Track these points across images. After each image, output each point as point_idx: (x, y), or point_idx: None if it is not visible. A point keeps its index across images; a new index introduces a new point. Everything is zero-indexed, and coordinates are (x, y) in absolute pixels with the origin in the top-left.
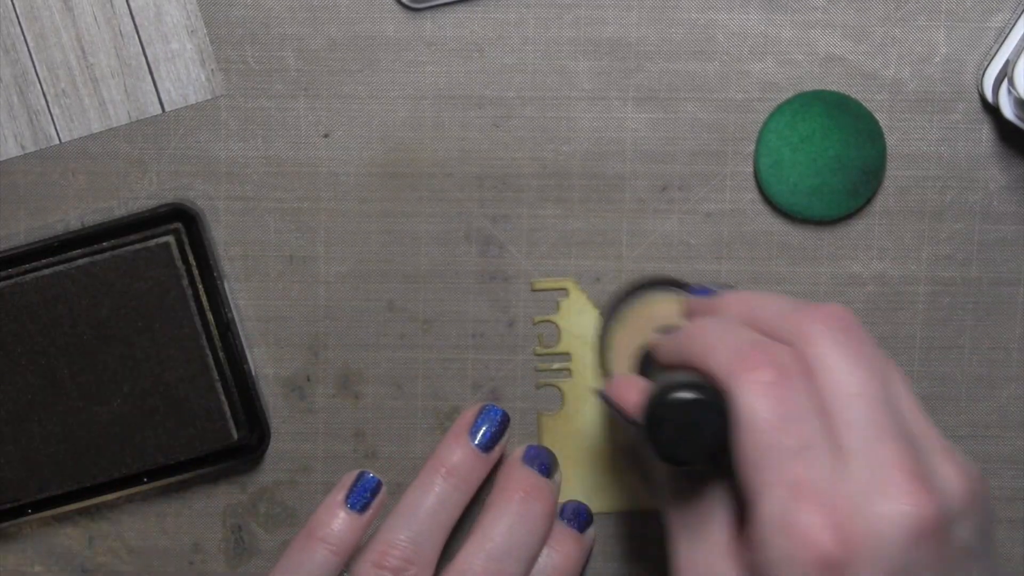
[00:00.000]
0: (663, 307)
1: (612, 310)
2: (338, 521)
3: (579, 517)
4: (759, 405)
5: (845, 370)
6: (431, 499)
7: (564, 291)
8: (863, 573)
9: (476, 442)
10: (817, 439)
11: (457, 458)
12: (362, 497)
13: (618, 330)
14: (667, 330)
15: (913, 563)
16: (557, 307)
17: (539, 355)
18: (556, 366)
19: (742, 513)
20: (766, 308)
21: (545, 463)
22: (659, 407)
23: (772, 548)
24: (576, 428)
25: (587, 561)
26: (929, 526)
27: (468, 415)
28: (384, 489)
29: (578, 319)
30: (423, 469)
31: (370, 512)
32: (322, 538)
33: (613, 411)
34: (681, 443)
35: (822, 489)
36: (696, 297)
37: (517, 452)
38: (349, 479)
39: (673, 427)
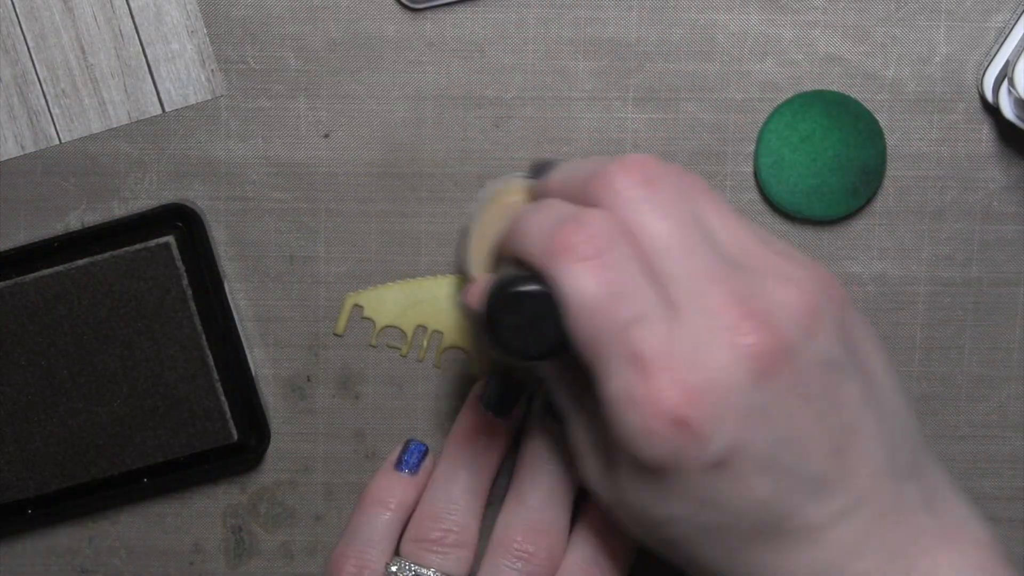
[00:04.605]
0: (515, 196)
1: (470, 213)
2: (394, 484)
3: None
4: (582, 285)
5: (654, 224)
6: (462, 470)
7: (358, 307)
8: (717, 424)
9: (491, 410)
10: (648, 304)
11: (477, 427)
12: (412, 460)
13: (476, 229)
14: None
15: (766, 400)
16: (362, 311)
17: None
18: (404, 349)
19: None
20: (576, 175)
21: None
22: (494, 307)
23: (624, 424)
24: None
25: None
26: (770, 359)
27: (477, 387)
28: (431, 453)
29: (379, 306)
30: (448, 443)
31: (421, 474)
32: (381, 501)
33: (470, 317)
34: (522, 338)
35: (662, 353)
36: (533, 181)
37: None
38: (397, 448)
39: (512, 324)
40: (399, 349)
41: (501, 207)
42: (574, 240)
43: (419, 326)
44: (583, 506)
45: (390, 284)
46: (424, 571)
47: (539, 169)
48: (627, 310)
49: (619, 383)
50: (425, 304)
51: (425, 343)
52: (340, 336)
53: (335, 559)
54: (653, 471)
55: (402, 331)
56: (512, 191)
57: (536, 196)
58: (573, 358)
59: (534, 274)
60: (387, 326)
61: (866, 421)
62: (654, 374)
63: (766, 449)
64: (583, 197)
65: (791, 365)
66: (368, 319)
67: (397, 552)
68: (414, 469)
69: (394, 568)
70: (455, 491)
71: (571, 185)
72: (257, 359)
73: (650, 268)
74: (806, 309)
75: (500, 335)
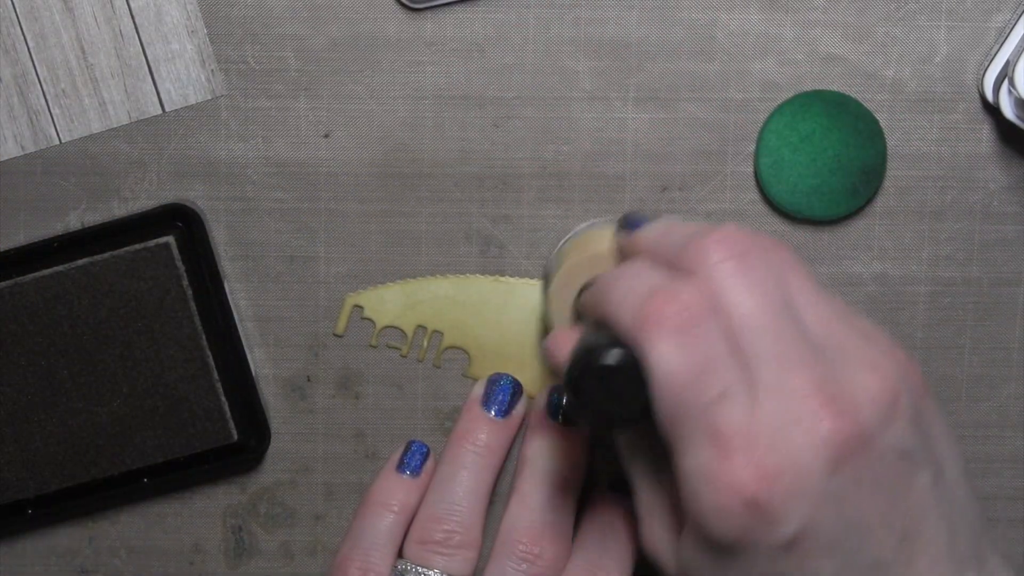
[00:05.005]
0: (601, 245)
1: (554, 257)
2: (396, 486)
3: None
4: (670, 359)
5: (743, 301)
6: (463, 471)
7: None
8: (789, 507)
9: (493, 413)
10: (732, 382)
11: (478, 427)
12: (414, 462)
13: (559, 276)
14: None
15: (840, 486)
16: (362, 311)
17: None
18: (404, 349)
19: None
20: (668, 239)
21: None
22: (579, 375)
23: (700, 500)
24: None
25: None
26: (848, 447)
27: (478, 389)
28: (433, 454)
29: (379, 307)
30: (448, 444)
31: (423, 475)
32: (384, 503)
33: (554, 368)
34: (605, 408)
35: (741, 433)
36: (621, 235)
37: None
38: (398, 449)
39: (595, 392)
40: (399, 349)
41: (587, 257)
42: (666, 312)
43: (419, 326)
44: (586, 508)
45: (390, 284)
46: (429, 572)
47: (629, 222)
48: (711, 387)
49: (697, 459)
50: (425, 304)
51: (425, 343)
52: (340, 336)
53: (339, 562)
54: (721, 547)
55: (402, 331)
56: (598, 240)
57: (624, 251)
58: (651, 426)
59: (618, 340)
60: (387, 326)
61: (932, 510)
62: (732, 453)
63: (834, 533)
64: (675, 263)
65: (867, 453)
66: (368, 319)
67: (401, 554)
68: (416, 471)
69: (399, 570)
70: (458, 492)
71: (662, 248)
72: (257, 359)
73: (737, 345)
74: (886, 397)
75: (584, 403)
